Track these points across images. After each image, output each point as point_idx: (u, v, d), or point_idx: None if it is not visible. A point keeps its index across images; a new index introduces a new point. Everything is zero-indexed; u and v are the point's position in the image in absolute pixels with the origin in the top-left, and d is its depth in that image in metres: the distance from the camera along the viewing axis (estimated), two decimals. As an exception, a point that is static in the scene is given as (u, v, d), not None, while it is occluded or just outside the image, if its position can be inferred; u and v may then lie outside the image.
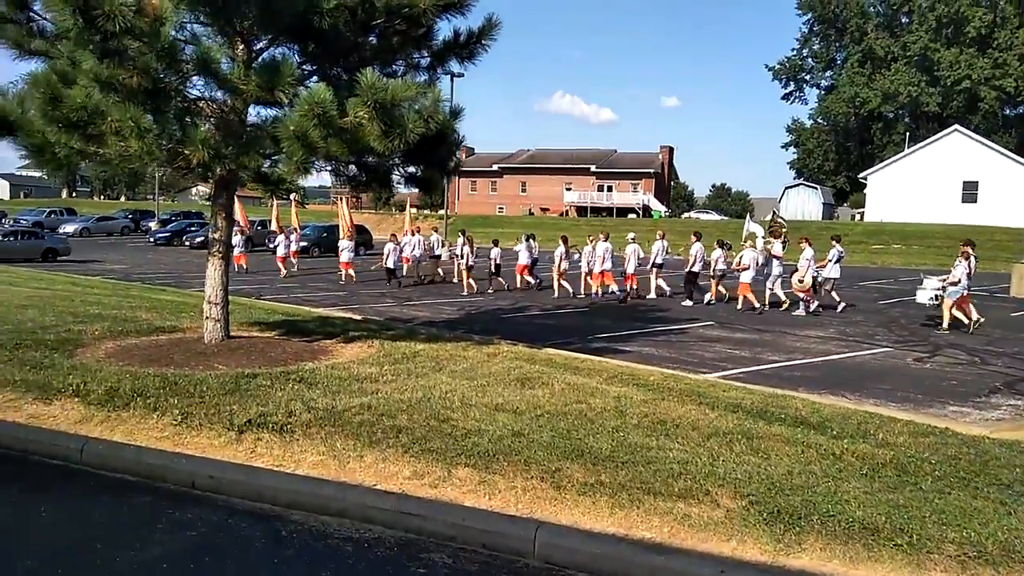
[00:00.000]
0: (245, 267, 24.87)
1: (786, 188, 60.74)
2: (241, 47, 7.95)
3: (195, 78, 7.71)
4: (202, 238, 40.20)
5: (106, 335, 9.35)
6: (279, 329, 10.59)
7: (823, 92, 75.78)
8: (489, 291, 19.87)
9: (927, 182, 46.88)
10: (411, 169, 9.52)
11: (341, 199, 27.56)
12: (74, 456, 5.39)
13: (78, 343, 8.73)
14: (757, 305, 16.44)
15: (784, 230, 18.64)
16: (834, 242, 17.32)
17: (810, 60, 75.85)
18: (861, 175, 52.29)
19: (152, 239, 43.90)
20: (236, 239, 26.15)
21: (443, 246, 23.80)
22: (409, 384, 7.12)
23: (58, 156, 7.28)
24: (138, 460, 5.22)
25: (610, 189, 70.77)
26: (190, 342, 8.86)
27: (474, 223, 52.12)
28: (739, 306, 16.82)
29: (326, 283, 22.17)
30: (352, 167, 9.14)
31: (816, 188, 59.61)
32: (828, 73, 74.94)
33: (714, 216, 66.29)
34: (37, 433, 5.69)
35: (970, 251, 14.25)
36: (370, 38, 8.29)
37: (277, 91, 7.29)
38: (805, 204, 56.91)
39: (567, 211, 69.94)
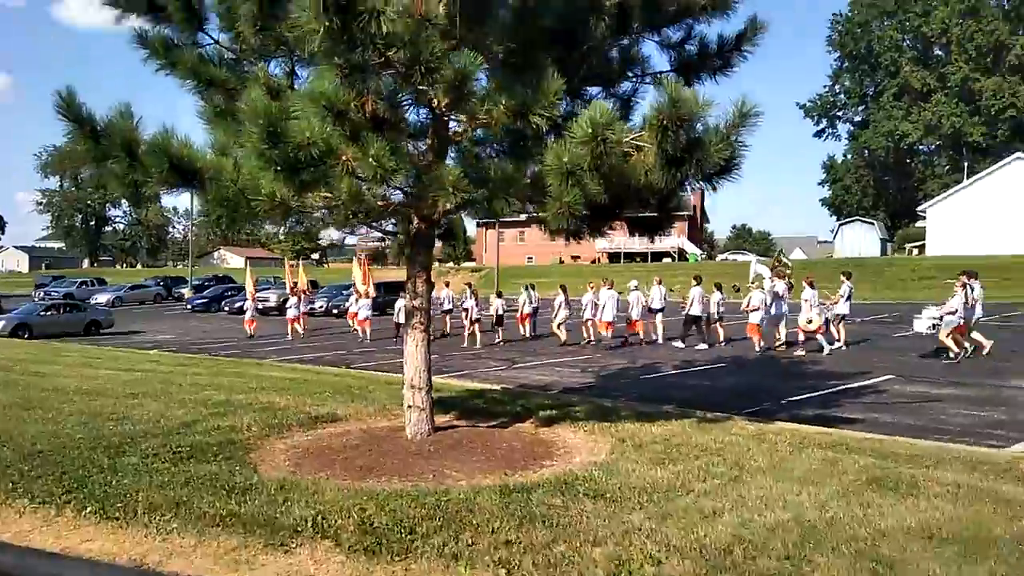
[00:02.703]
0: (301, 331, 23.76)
1: (840, 224, 58.45)
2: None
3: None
4: (241, 303, 38.25)
5: (265, 431, 7.55)
6: (453, 411, 8.77)
7: (854, 128, 74.71)
8: (499, 341, 19.64)
9: (991, 212, 44.82)
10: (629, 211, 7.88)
11: (358, 256, 26.19)
12: (391, 654, 3.54)
13: (244, 446, 6.94)
14: (758, 349, 16.30)
15: (788, 271, 18.74)
16: (844, 278, 16.85)
17: (842, 96, 74.87)
18: (919, 208, 50.34)
19: (189, 306, 42.26)
20: (291, 300, 24.76)
21: (451, 301, 22.98)
22: (742, 497, 5.26)
23: (255, 210, 5.59)
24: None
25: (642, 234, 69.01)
26: (383, 437, 7.04)
27: (507, 274, 50.53)
28: (756, 348, 16.58)
29: (344, 341, 21.32)
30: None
31: (873, 224, 57.31)
32: (861, 108, 73.87)
33: (750, 257, 64.47)
34: (312, 611, 3.83)
35: (966, 280, 14.54)
36: (618, 45, 6.67)
37: (533, 115, 5.64)
38: (862, 241, 54.54)
39: (599, 258, 68.13)
